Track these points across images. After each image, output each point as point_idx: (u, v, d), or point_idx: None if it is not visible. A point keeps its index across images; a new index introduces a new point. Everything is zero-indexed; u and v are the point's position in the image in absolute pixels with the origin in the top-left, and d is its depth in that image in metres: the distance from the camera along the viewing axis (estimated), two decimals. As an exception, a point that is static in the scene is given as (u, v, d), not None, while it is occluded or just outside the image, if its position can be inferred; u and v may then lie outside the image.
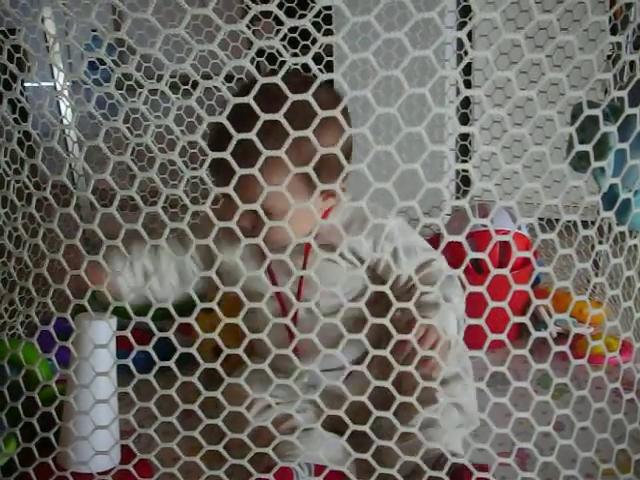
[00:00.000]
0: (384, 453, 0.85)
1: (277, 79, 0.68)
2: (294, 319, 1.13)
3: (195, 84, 0.72)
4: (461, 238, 0.72)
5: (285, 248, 0.82)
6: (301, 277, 1.14)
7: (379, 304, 0.83)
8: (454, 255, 1.24)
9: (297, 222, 0.80)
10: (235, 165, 0.71)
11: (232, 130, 0.70)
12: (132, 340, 0.80)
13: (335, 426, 0.99)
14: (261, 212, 0.74)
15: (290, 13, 1.62)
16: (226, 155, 0.71)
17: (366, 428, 0.81)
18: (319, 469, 0.96)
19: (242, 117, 0.69)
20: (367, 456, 0.80)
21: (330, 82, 0.88)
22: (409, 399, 0.81)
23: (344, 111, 0.71)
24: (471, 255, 0.74)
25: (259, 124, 0.70)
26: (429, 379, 0.89)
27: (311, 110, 0.69)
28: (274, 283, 1.17)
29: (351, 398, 0.82)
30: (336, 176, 0.77)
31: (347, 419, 0.81)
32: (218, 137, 0.74)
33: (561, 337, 1.35)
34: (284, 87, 0.68)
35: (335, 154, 0.72)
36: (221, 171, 0.75)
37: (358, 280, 1.17)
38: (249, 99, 0.69)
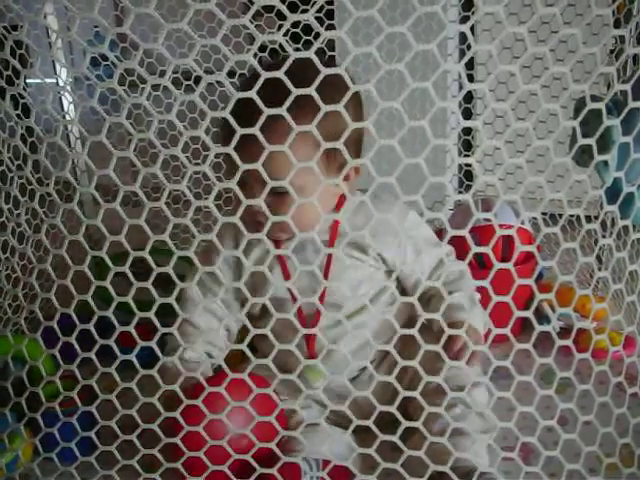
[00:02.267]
0: (409, 459, 0.83)
1: (310, 53, 0.67)
2: (313, 320, 1.13)
3: (198, 79, 0.72)
4: (464, 233, 0.72)
5: (302, 245, 0.81)
6: (325, 277, 1.13)
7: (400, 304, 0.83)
8: (457, 249, 1.24)
9: (316, 202, 0.78)
10: (262, 138, 0.70)
11: (261, 104, 0.68)
12: (135, 336, 0.81)
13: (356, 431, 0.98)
14: (289, 187, 0.73)
15: (292, 8, 1.62)
16: (255, 130, 0.70)
17: (396, 438, 0.81)
18: (327, 464, 0.96)
19: (269, 91, 0.68)
20: (371, 451, 0.80)
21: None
22: (434, 408, 0.81)
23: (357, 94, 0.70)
24: (474, 250, 0.74)
25: (290, 99, 0.68)
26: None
27: (331, 89, 0.68)
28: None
29: (380, 409, 0.81)
30: (353, 154, 0.76)
31: (369, 423, 0.81)
32: (240, 114, 0.72)
33: (564, 331, 1.35)
34: (316, 60, 0.67)
35: (353, 136, 0.72)
36: (240, 147, 0.74)
37: (379, 280, 1.17)
38: (280, 74, 0.68)
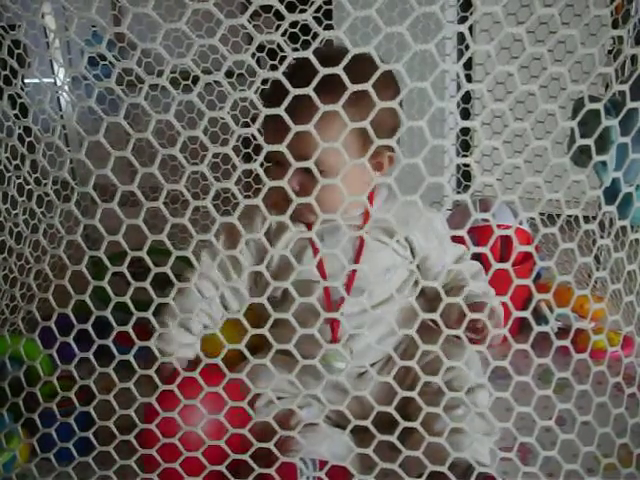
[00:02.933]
0: (407, 458, 0.83)
1: (339, 32, 0.67)
2: (339, 305, 1.13)
3: (196, 79, 0.72)
4: (463, 233, 0.72)
5: (335, 228, 0.79)
6: (356, 261, 1.13)
7: (421, 295, 0.83)
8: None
9: (349, 185, 0.77)
10: (289, 121, 0.69)
11: (289, 86, 0.68)
12: (133, 336, 0.80)
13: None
14: (314, 169, 0.72)
15: (290, 8, 1.62)
16: (280, 111, 0.69)
17: (394, 438, 0.80)
18: (324, 464, 0.96)
19: (299, 73, 0.68)
20: (369, 451, 0.80)
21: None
22: (433, 410, 0.81)
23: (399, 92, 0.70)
24: (472, 250, 0.74)
25: (316, 80, 0.68)
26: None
27: (364, 72, 0.68)
28: (321, 268, 1.14)
29: (379, 409, 0.81)
30: (387, 150, 0.76)
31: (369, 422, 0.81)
32: (273, 93, 0.72)
33: (562, 332, 1.35)
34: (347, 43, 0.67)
35: (388, 121, 0.71)
36: (270, 128, 0.73)
37: (404, 269, 1.18)
38: (308, 53, 0.67)
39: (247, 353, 0.81)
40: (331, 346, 1.05)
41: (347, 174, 0.75)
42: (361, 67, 0.67)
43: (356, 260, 1.14)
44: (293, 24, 1.83)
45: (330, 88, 0.66)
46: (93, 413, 0.89)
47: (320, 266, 1.13)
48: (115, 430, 0.86)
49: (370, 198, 1.17)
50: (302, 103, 0.69)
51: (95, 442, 0.90)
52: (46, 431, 0.94)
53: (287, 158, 0.71)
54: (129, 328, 0.80)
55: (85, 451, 0.91)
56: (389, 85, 0.71)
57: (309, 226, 1.11)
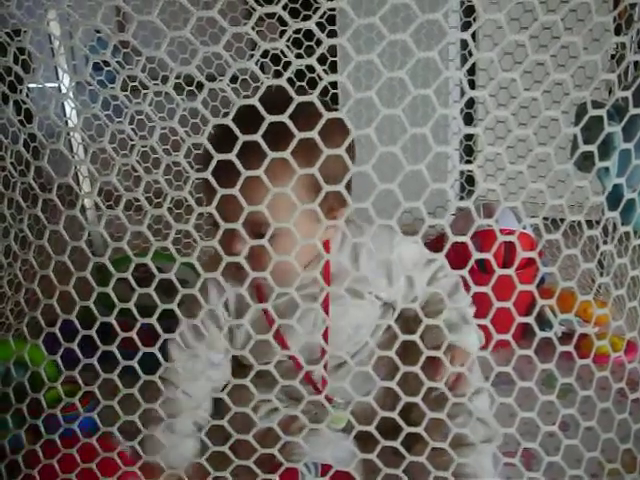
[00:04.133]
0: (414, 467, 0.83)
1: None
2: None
3: (200, 85, 0.72)
4: (466, 238, 0.72)
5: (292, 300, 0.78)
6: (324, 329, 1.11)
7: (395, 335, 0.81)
8: (459, 255, 1.24)
9: (301, 247, 0.76)
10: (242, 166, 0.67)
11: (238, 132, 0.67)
12: (137, 341, 0.81)
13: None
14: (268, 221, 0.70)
15: (294, 14, 1.63)
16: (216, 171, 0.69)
17: (397, 444, 0.80)
18: (326, 469, 0.96)
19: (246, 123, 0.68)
20: (373, 456, 0.80)
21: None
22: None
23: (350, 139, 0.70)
24: (476, 255, 0.74)
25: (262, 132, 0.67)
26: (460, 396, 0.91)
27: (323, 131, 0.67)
28: (282, 341, 1.09)
29: (382, 414, 0.81)
30: (340, 199, 0.75)
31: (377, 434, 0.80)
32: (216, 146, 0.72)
33: (566, 337, 1.35)
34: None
35: (340, 176, 0.71)
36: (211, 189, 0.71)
37: (375, 316, 1.18)
38: (253, 102, 0.67)
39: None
40: (332, 411, 1.06)
41: (298, 228, 0.73)
42: (305, 119, 0.66)
43: (325, 329, 1.11)
44: (296, 30, 1.83)
45: (276, 139, 0.66)
46: (97, 419, 0.90)
47: (280, 338, 1.09)
48: (119, 435, 0.86)
49: (326, 246, 1.11)
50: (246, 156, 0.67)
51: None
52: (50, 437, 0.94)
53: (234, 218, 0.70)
54: (133, 334, 0.80)
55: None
56: (336, 133, 0.70)
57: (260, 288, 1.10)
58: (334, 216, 1.02)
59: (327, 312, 1.09)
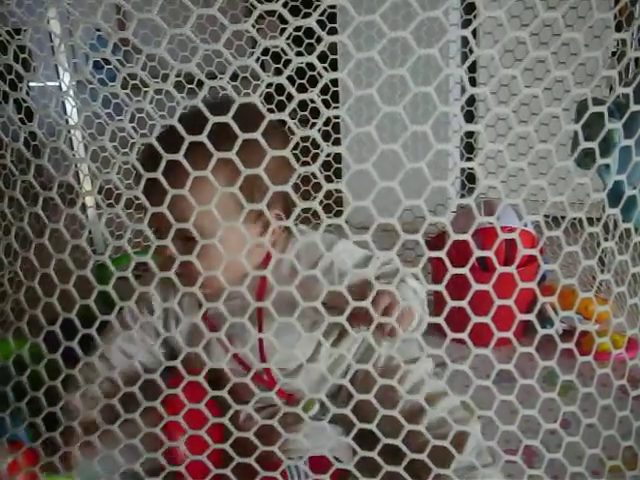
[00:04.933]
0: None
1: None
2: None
3: (200, 82, 0.72)
4: (467, 236, 0.72)
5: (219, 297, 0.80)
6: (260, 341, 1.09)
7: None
8: (460, 253, 1.24)
9: (230, 249, 0.78)
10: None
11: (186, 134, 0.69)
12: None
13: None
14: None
15: (294, 11, 1.62)
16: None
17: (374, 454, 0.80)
18: (315, 465, 0.96)
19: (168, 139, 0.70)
20: (374, 454, 0.80)
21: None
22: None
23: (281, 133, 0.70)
24: (477, 253, 0.74)
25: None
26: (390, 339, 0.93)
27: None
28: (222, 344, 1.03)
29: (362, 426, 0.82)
30: (275, 203, 0.75)
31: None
32: (150, 158, 0.74)
33: (567, 334, 1.35)
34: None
35: (278, 179, 0.71)
36: (152, 195, 0.74)
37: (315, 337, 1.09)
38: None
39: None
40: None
41: (226, 238, 0.76)
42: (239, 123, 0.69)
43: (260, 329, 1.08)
44: (297, 27, 1.83)
45: (200, 151, 0.69)
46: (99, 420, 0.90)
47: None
48: (120, 434, 0.86)
49: (264, 264, 1.08)
50: (173, 170, 0.70)
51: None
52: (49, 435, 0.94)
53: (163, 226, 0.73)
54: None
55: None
56: (274, 138, 0.71)
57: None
58: (267, 226, 1.00)
59: (261, 325, 1.09)
